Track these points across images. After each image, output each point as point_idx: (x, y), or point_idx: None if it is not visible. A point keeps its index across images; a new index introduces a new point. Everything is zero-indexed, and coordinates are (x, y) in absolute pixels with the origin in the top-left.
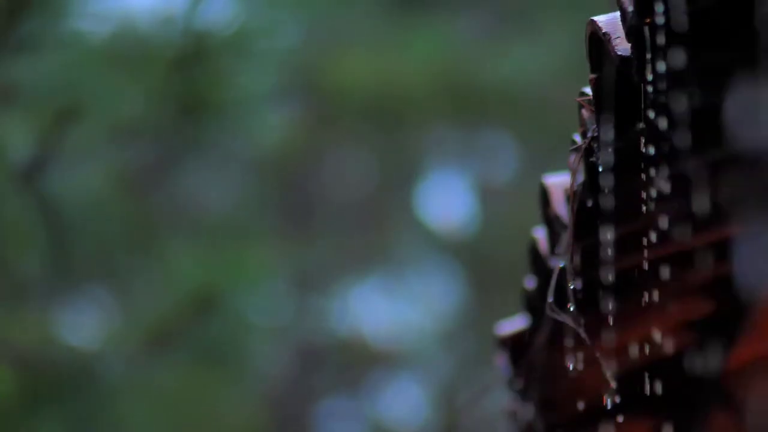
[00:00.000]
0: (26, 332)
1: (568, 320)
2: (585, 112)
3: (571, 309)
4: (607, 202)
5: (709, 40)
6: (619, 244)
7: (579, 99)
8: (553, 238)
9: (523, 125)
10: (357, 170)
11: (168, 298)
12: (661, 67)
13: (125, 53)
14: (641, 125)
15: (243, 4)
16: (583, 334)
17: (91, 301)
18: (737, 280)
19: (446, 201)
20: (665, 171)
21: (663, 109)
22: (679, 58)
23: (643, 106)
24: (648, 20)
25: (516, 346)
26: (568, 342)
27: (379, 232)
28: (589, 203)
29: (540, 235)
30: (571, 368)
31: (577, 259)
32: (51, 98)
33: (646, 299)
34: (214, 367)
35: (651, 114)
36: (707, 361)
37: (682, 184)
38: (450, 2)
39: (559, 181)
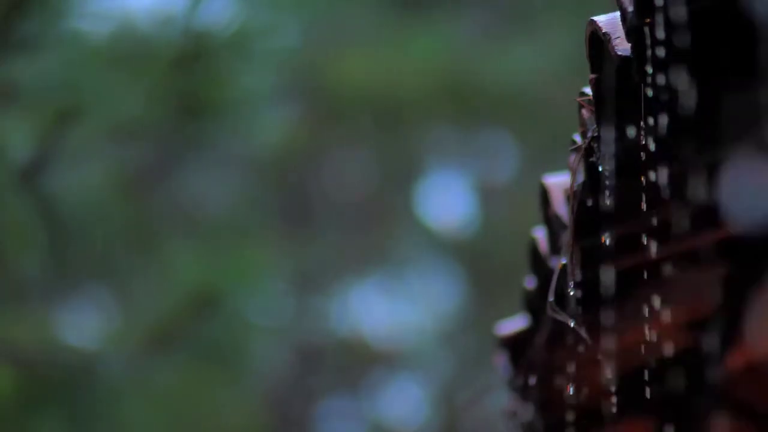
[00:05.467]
0: (26, 332)
1: (568, 320)
2: (585, 112)
3: (571, 309)
4: (607, 202)
5: (708, 40)
6: (619, 244)
7: (579, 99)
8: (553, 238)
9: (523, 125)
10: (357, 170)
11: (168, 298)
12: (661, 67)
13: (125, 53)
14: (641, 125)
15: (243, 4)
16: (583, 334)
17: (91, 301)
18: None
19: (446, 201)
20: (665, 171)
21: (663, 109)
22: (678, 57)
23: (643, 106)
24: (648, 20)
25: (516, 346)
26: (568, 342)
27: (379, 232)
28: (589, 203)
29: (540, 235)
30: (571, 368)
31: (577, 259)
32: (51, 98)
33: (646, 299)
34: (214, 367)
35: (651, 114)
36: (707, 362)
37: (682, 184)
38: (450, 2)
39: (559, 181)
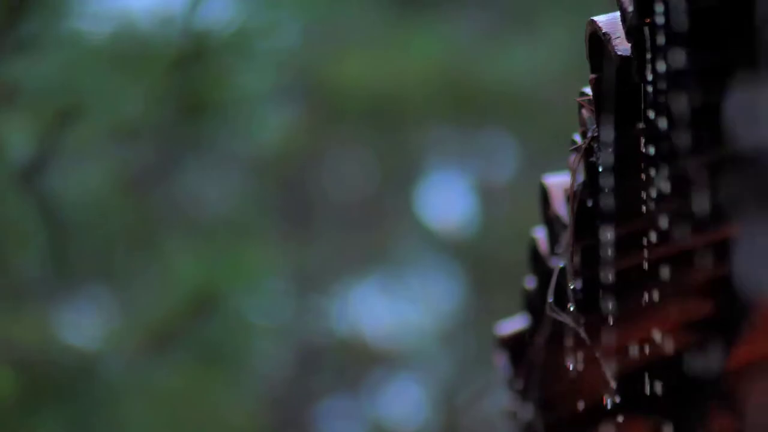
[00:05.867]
0: (26, 332)
1: (568, 320)
2: (585, 112)
3: (571, 309)
4: (607, 202)
5: (708, 40)
6: (619, 244)
7: (579, 99)
8: (553, 238)
9: (523, 125)
10: (357, 170)
11: (168, 298)
12: (661, 67)
13: (125, 53)
14: (641, 125)
15: (243, 4)
16: (583, 334)
17: (91, 301)
18: (737, 282)
19: (446, 201)
20: (665, 171)
21: (663, 109)
22: (678, 58)
23: (643, 106)
24: (648, 20)
25: (516, 346)
26: (568, 342)
27: (379, 232)
28: (589, 203)
29: (540, 235)
30: (571, 368)
31: (577, 259)
32: (51, 98)
33: (646, 299)
34: (214, 367)
35: (651, 114)
36: (707, 362)
37: (682, 184)
38: (450, 2)
39: (559, 181)
